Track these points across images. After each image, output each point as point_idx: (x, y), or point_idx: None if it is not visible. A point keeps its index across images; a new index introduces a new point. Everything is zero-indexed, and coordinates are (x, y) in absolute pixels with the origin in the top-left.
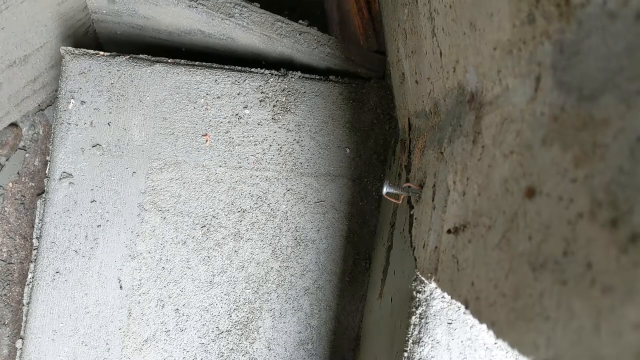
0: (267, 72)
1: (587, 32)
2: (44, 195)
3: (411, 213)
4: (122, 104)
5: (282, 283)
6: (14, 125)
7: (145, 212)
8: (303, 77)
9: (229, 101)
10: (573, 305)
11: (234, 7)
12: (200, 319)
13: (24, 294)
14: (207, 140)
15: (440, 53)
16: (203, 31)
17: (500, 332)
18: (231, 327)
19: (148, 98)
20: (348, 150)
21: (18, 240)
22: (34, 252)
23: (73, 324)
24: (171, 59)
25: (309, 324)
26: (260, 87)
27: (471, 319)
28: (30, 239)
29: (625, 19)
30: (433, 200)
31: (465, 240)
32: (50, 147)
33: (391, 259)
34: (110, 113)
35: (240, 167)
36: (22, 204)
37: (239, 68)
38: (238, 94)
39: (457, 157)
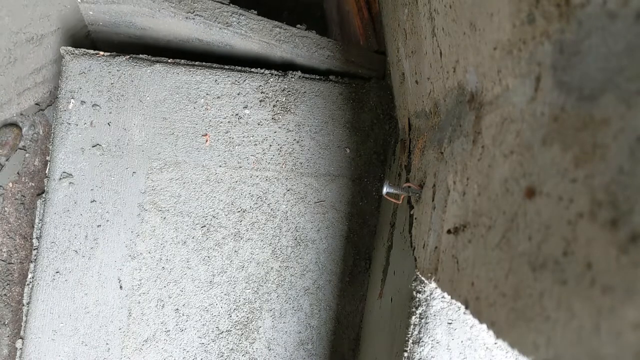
0: (267, 72)
1: (587, 32)
2: (44, 195)
3: (411, 213)
4: (122, 104)
5: (282, 283)
6: (14, 125)
7: (145, 212)
8: (303, 77)
9: (229, 101)
10: (573, 305)
11: (231, 15)
12: (200, 319)
13: (24, 294)
14: (207, 140)
15: (440, 53)
16: (201, 40)
17: (500, 332)
18: (231, 327)
19: (148, 98)
20: (348, 150)
21: (18, 240)
22: (34, 252)
23: (73, 324)
24: (171, 59)
25: (309, 324)
26: (260, 87)
27: (471, 319)
28: (30, 239)
29: (625, 19)
30: (433, 200)
31: (465, 240)
32: (50, 147)
33: (391, 259)
34: (110, 113)
35: (240, 167)
36: (22, 204)
37: (239, 68)
38: (238, 94)
39: (457, 157)
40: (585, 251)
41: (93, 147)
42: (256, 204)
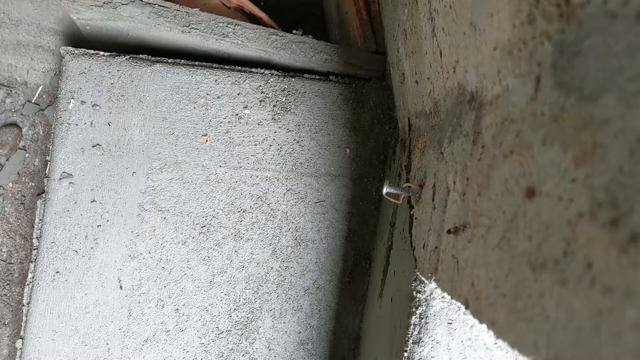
0: (267, 72)
1: (587, 32)
2: (44, 195)
3: (411, 213)
4: (122, 104)
5: (282, 283)
6: (14, 125)
7: (145, 212)
8: (303, 77)
9: (229, 101)
10: (573, 305)
11: (226, 26)
12: (200, 319)
13: (24, 294)
14: (207, 140)
15: (440, 53)
16: (199, 49)
17: (500, 332)
18: (231, 327)
19: (148, 98)
20: (348, 150)
21: (18, 240)
22: (34, 252)
23: (73, 324)
24: (171, 59)
25: (309, 324)
26: (260, 87)
27: (471, 319)
28: (30, 239)
29: (625, 19)
30: (433, 200)
31: (465, 240)
32: (50, 147)
33: (391, 259)
34: (110, 113)
35: (240, 167)
36: (22, 204)
37: (239, 68)
38: (238, 94)
39: (457, 157)
40: (585, 251)
41: (93, 147)
42: (256, 204)
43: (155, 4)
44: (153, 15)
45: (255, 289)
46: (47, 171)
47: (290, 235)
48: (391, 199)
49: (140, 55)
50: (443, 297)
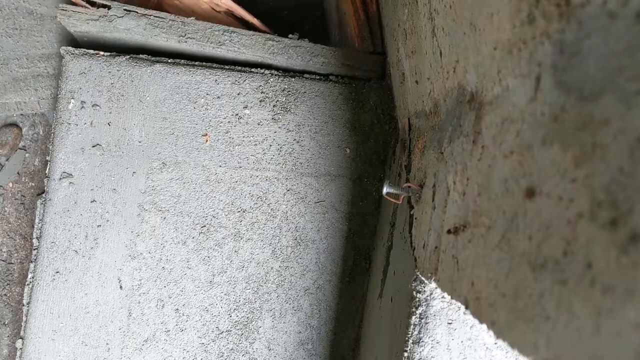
0: (267, 72)
1: (587, 32)
2: (44, 195)
3: (411, 213)
4: (122, 104)
5: (282, 283)
6: (14, 125)
7: (145, 212)
8: (303, 77)
9: (229, 101)
10: (573, 305)
11: (222, 34)
12: (200, 319)
13: (24, 294)
14: (207, 140)
15: (440, 53)
16: (196, 55)
17: (500, 332)
18: (231, 327)
19: (148, 98)
20: (348, 150)
21: (18, 240)
22: (34, 252)
23: (73, 324)
24: (171, 59)
25: (309, 324)
26: (260, 87)
27: (471, 319)
28: (30, 239)
29: (625, 19)
30: (433, 200)
31: (465, 240)
32: (50, 147)
33: (391, 259)
34: (110, 113)
35: (240, 167)
36: (22, 204)
37: (239, 68)
38: (238, 94)
39: (457, 157)
40: (585, 251)
41: (93, 147)
42: (256, 204)
43: (150, 15)
44: (149, 26)
45: (255, 289)
46: (47, 171)
47: (290, 235)
48: (391, 199)
49: (140, 56)
50: (443, 297)
